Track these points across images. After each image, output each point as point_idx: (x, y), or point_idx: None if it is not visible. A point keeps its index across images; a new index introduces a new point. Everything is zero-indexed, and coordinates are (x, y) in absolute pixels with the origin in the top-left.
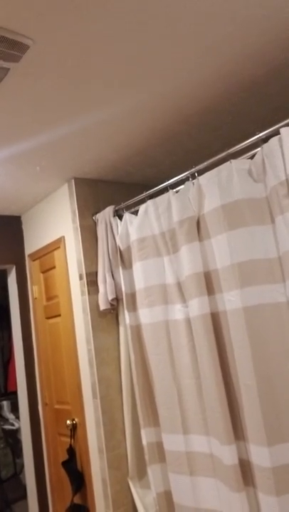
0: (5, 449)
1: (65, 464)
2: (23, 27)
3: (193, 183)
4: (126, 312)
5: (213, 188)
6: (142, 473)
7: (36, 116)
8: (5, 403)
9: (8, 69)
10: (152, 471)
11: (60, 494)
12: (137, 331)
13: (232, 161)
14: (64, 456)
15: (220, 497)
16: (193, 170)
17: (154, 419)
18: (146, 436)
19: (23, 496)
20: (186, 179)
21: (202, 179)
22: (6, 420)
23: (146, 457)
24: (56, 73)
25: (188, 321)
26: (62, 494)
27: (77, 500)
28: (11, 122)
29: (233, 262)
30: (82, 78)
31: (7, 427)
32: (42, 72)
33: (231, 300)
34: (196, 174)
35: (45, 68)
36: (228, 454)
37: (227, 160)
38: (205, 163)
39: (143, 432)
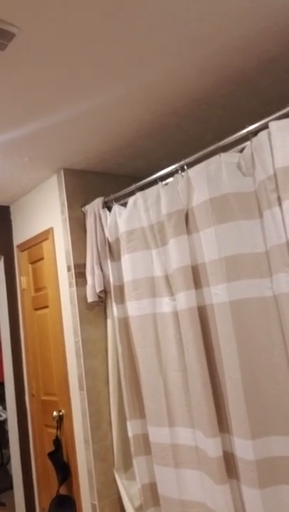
0: None
1: (51, 454)
2: (8, 14)
3: (182, 176)
4: (114, 304)
5: (202, 181)
6: (127, 465)
7: (23, 105)
8: None
9: None
10: (138, 462)
11: (46, 485)
12: (124, 323)
13: (221, 154)
14: (50, 447)
15: (204, 489)
16: (182, 162)
17: (140, 411)
18: (132, 428)
19: (10, 486)
20: (176, 172)
21: (191, 172)
22: None
23: (132, 449)
24: (43, 61)
25: (175, 314)
26: (48, 485)
27: (62, 491)
28: None
29: (221, 256)
30: (69, 67)
31: None
32: (28, 60)
33: (218, 294)
34: (186, 167)
35: (31, 56)
36: (212, 447)
37: (217, 153)
38: (194, 156)
39: (129, 424)
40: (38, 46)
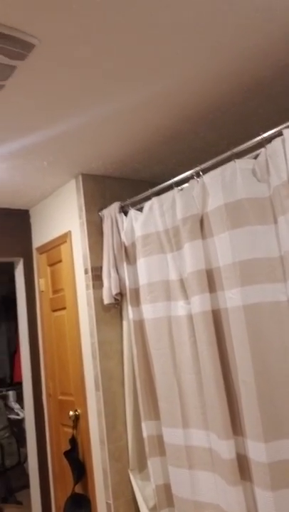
0: (10, 438)
1: (67, 453)
2: (29, 26)
3: (197, 181)
4: (129, 307)
5: (217, 186)
6: (142, 466)
7: (43, 111)
8: (11, 393)
9: (15, 67)
10: (152, 463)
11: (62, 483)
12: (139, 325)
13: (236, 160)
14: (66, 447)
15: (217, 490)
16: (197, 168)
17: (155, 413)
18: (146, 429)
19: (27, 485)
20: (191, 177)
21: (206, 178)
22: (11, 410)
23: (147, 450)
24: (63, 70)
25: (190, 318)
26: (64, 483)
27: (78, 489)
28: (18, 118)
29: (235, 260)
30: (88, 75)
31: (12, 416)
32: (48, 69)
33: (232, 298)
34: (201, 173)
35: (51, 66)
36: (225, 449)
37: (232, 159)
38: (210, 162)
39: (144, 425)
40: (57, 56)
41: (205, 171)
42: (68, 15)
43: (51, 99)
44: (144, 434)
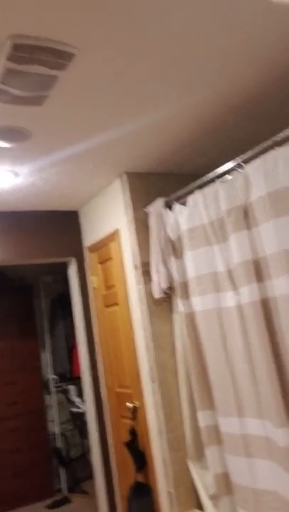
0: (73, 430)
1: (127, 444)
2: (68, 37)
3: (239, 172)
4: (179, 300)
5: (259, 176)
6: (200, 455)
7: (86, 116)
8: (72, 387)
9: (57, 76)
10: (210, 452)
11: (125, 473)
12: (190, 317)
13: (277, 148)
14: (127, 437)
15: (275, 478)
16: (239, 159)
17: (210, 403)
18: (202, 419)
19: (91, 476)
20: (233, 168)
21: (248, 168)
22: (73, 403)
23: (204, 439)
24: (103, 77)
25: (239, 308)
26: (127, 473)
27: (140, 478)
28: (63, 124)
29: (280, 248)
30: (129, 79)
31: (74, 409)
32: (89, 77)
33: (280, 286)
34: (243, 163)
35: (92, 73)
36: (281, 437)
37: (273, 147)
38: (251, 152)
39: (200, 415)
40: (98, 63)
41: (246, 161)
42: (107, 22)
43: (95, 104)
44: (201, 424)
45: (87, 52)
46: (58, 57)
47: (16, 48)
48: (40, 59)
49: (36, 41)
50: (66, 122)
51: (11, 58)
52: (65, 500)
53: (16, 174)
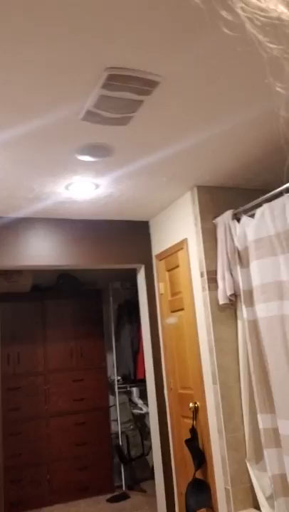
0: (134, 430)
1: (188, 442)
2: (154, 67)
3: None
4: (243, 307)
5: None
6: (259, 456)
7: (164, 134)
8: (134, 390)
9: (142, 101)
10: (268, 454)
11: (183, 471)
12: (253, 324)
13: None
14: (187, 436)
15: None
16: None
17: (270, 406)
18: (262, 422)
19: (149, 477)
20: None
21: None
22: (135, 405)
23: (263, 441)
24: (182, 99)
25: None
26: (185, 471)
27: (198, 476)
28: (143, 141)
29: None
30: (206, 99)
31: (136, 411)
32: (170, 100)
33: None
34: None
35: (173, 97)
36: None
37: None
38: None
39: (259, 418)
40: (179, 88)
41: None
42: (187, 53)
43: (172, 123)
44: (260, 426)
45: (170, 80)
46: (144, 84)
47: (110, 77)
48: (129, 86)
49: (127, 72)
50: (146, 139)
51: (104, 86)
52: (124, 496)
53: (97, 186)
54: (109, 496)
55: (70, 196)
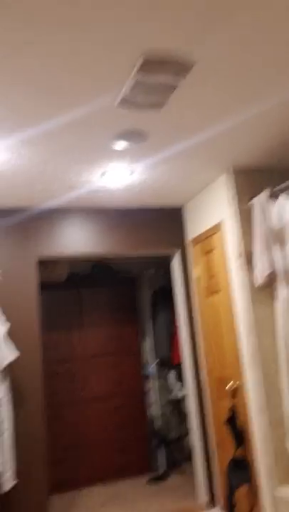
0: (171, 413)
1: (228, 421)
2: (189, 51)
3: None
4: (281, 287)
5: None
6: None
7: (199, 117)
8: (171, 373)
9: (177, 85)
10: None
11: (224, 450)
12: None
13: None
14: (226, 416)
15: None
16: None
17: None
18: None
19: (186, 458)
20: None
21: None
22: (171, 390)
23: None
24: (218, 81)
25: None
26: (225, 450)
27: (239, 454)
28: (178, 125)
29: None
30: (242, 81)
31: (173, 394)
32: (205, 81)
33: None
34: None
35: (208, 79)
36: None
37: None
38: None
39: None
40: (213, 69)
41: None
42: (220, 35)
43: (209, 107)
44: None
45: (205, 61)
46: (179, 68)
47: (146, 62)
48: (164, 70)
49: (162, 56)
50: (181, 123)
51: (140, 71)
52: (163, 477)
53: (132, 172)
54: (148, 477)
55: (104, 185)
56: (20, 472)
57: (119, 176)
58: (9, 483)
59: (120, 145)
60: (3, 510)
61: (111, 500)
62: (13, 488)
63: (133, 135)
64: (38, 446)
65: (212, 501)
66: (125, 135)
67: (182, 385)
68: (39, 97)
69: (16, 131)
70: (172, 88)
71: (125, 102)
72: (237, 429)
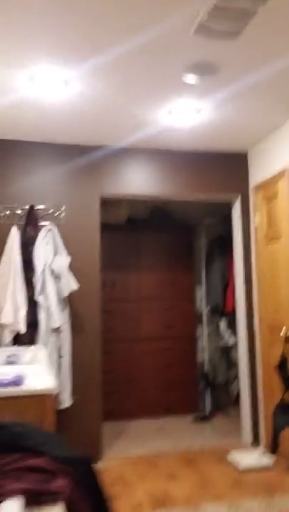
0: (220, 359)
1: (278, 367)
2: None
3: None
4: None
5: None
6: None
7: (276, 49)
8: (222, 321)
9: (255, 11)
10: None
11: (271, 395)
12: None
13: None
14: (276, 363)
15: None
16: None
17: None
18: None
19: (231, 403)
20: None
21: None
22: (222, 337)
23: None
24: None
25: None
26: (273, 395)
27: (287, 398)
28: (252, 57)
29: None
30: None
31: (223, 341)
32: (287, 10)
33: None
34: None
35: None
36: None
37: None
38: None
39: None
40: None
41: None
42: None
43: (287, 38)
44: None
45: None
46: None
47: None
48: None
49: None
50: (255, 55)
51: None
52: (208, 418)
53: (198, 111)
54: (193, 416)
55: (170, 124)
56: (78, 393)
57: (186, 114)
58: (66, 402)
59: (190, 78)
60: (63, 425)
61: (158, 432)
62: (73, 407)
63: (205, 67)
64: (95, 371)
65: (256, 441)
66: (196, 67)
67: (232, 333)
68: (114, 17)
69: (89, 58)
70: (251, 15)
71: (202, 28)
72: (287, 374)
